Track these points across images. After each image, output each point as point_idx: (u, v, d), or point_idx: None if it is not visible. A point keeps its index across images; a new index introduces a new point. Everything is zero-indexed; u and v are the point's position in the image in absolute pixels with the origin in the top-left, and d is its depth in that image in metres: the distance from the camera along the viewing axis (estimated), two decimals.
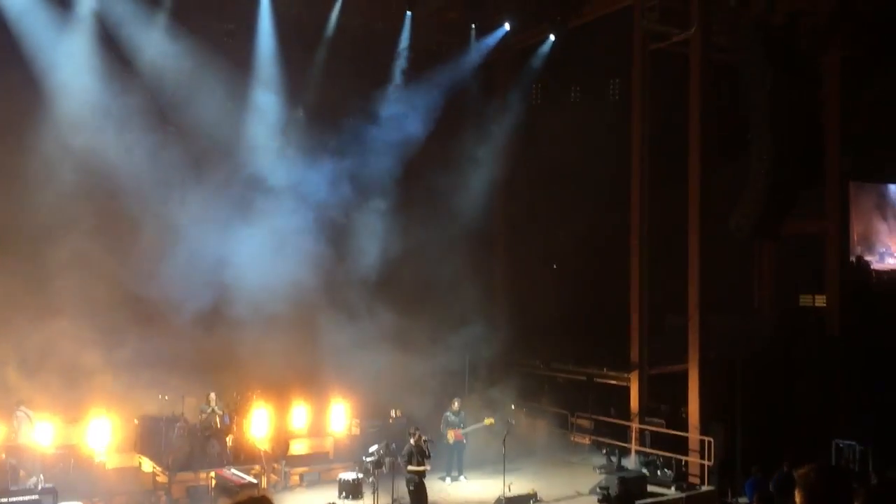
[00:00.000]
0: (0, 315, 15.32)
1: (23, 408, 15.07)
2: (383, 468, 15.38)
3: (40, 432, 15.30)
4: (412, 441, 14.55)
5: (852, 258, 20.77)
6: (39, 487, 12.99)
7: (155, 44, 17.20)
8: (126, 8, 16.83)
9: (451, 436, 17.12)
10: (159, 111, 17.38)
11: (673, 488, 16.58)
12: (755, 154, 15.88)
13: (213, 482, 14.58)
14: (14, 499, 12.54)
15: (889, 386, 17.24)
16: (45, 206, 15.80)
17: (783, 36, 16.15)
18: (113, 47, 16.89)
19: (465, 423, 17.23)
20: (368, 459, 15.50)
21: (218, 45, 17.82)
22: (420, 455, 14.48)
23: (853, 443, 16.71)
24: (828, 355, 18.43)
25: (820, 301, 19.90)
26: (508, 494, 15.38)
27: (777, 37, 16.04)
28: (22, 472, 14.02)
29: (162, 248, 16.81)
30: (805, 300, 20.59)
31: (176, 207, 17.10)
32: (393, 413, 18.32)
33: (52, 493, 12.78)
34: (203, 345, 16.64)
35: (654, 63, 18.64)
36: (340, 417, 18.11)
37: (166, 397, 16.70)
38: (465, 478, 17.13)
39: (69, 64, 16.52)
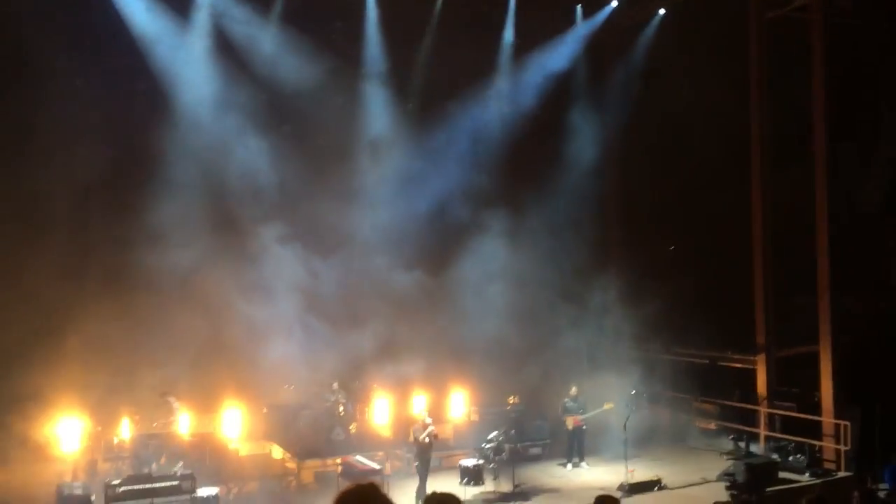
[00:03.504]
0: (146, 308, 16.16)
1: (170, 398, 15.95)
2: (503, 454, 15.46)
3: (181, 421, 16.20)
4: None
5: None
6: (179, 474, 13.72)
7: (268, 46, 17.77)
8: (240, 13, 17.42)
9: (570, 422, 17.00)
10: (275, 111, 17.93)
11: (807, 474, 15.93)
12: (886, 123, 14.96)
13: (339, 468, 15.03)
14: (157, 485, 13.34)
15: None
16: (180, 208, 16.51)
17: None
18: (229, 51, 17.54)
19: (584, 409, 17.06)
20: (488, 446, 15.61)
21: (328, 44, 18.23)
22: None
23: None
24: None
25: None
26: (632, 481, 15.16)
27: None
28: (163, 459, 14.87)
29: (289, 245, 17.35)
30: None
31: (295, 206, 17.58)
32: (511, 399, 18.34)
33: (191, 478, 13.50)
34: (327, 337, 17.13)
35: (773, 32, 17.79)
36: (459, 404, 18.32)
37: (292, 387, 17.33)
38: (587, 464, 16.98)
39: (190, 70, 17.26)
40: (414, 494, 14.18)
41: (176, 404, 15.88)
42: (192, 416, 16.46)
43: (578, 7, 19.96)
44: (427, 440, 14.56)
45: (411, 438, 14.98)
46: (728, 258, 19.40)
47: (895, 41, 15.64)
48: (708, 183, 19.33)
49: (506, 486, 14.90)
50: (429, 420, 14.92)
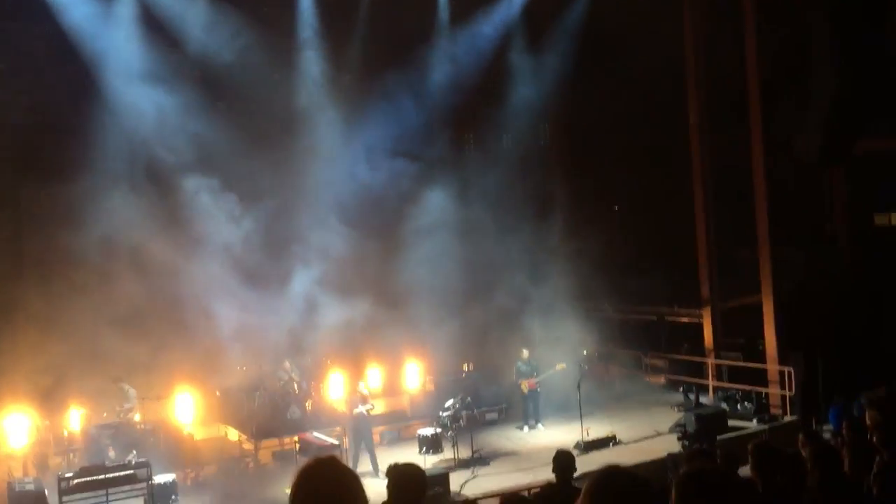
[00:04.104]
0: (86, 292, 15.77)
1: (123, 384, 15.62)
2: (461, 422, 15.58)
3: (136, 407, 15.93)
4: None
5: None
6: (133, 462, 13.50)
7: (199, 21, 17.28)
8: None
9: (524, 385, 17.18)
10: (208, 88, 17.52)
11: (755, 421, 16.39)
12: (817, 78, 15.25)
13: (298, 446, 14.98)
14: (112, 475, 13.08)
15: None
16: (114, 192, 16.13)
17: None
18: (158, 29, 17.02)
19: (538, 371, 17.25)
20: (445, 414, 15.71)
21: (260, 17, 17.81)
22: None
23: None
24: None
25: None
26: (587, 439, 15.43)
27: None
28: (112, 451, 14.58)
29: (232, 222, 17.07)
30: (881, 220, 19.86)
31: (249, 182, 17.29)
32: (465, 367, 18.47)
33: (146, 466, 13.29)
34: (274, 315, 16.96)
35: None
36: (414, 375, 18.37)
37: (244, 368, 17.16)
38: (543, 426, 17.21)
39: (117, 52, 16.71)
40: (371, 466, 14.23)
41: (131, 391, 15.61)
42: (143, 403, 16.19)
43: None
44: (365, 412, 14.67)
45: (348, 410, 15.06)
46: (672, 216, 19.70)
47: None
48: (650, 140, 19.56)
49: (465, 453, 15.04)
50: (366, 392, 15.14)
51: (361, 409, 14.72)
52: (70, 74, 16.56)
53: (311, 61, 18.70)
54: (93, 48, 16.47)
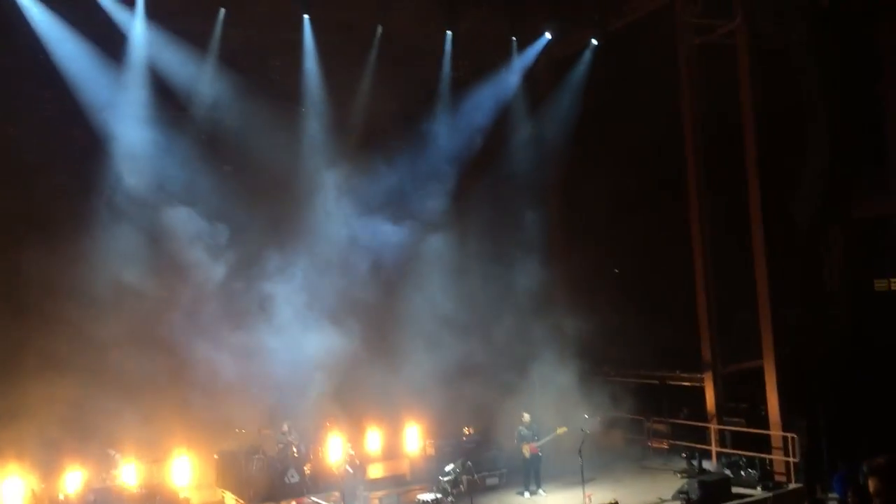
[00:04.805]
0: (81, 358, 15.78)
1: (111, 451, 15.49)
2: (461, 486, 15.38)
3: (126, 473, 15.75)
4: None
5: None
6: None
7: (206, 87, 17.67)
8: (176, 56, 17.30)
9: (525, 450, 17.00)
10: (216, 152, 17.82)
11: (759, 488, 16.17)
12: (812, 138, 15.52)
13: None
14: None
15: None
16: (113, 255, 16.26)
17: (833, 19, 15.78)
18: (167, 95, 17.39)
19: (539, 436, 17.09)
20: (445, 479, 15.52)
21: (266, 83, 18.22)
22: None
23: None
24: None
25: None
26: None
27: (826, 20, 15.67)
28: None
29: (228, 286, 17.16)
30: (881, 285, 19.88)
31: (241, 244, 17.42)
32: (466, 431, 18.31)
33: None
34: (274, 378, 16.92)
35: (703, 58, 18.35)
36: (414, 439, 18.20)
37: (243, 431, 17.02)
38: (544, 492, 16.97)
39: (126, 114, 17.04)
40: None
41: (118, 457, 15.48)
42: (140, 467, 16.03)
43: (513, 39, 20.30)
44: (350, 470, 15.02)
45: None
46: (670, 278, 19.75)
47: (816, 60, 16.27)
48: (649, 204, 19.73)
49: None
50: (352, 452, 15.59)
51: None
52: (78, 138, 16.84)
53: (314, 123, 19.04)
54: (101, 112, 16.81)
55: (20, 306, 16.25)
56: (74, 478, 15.34)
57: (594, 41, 20.11)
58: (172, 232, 16.87)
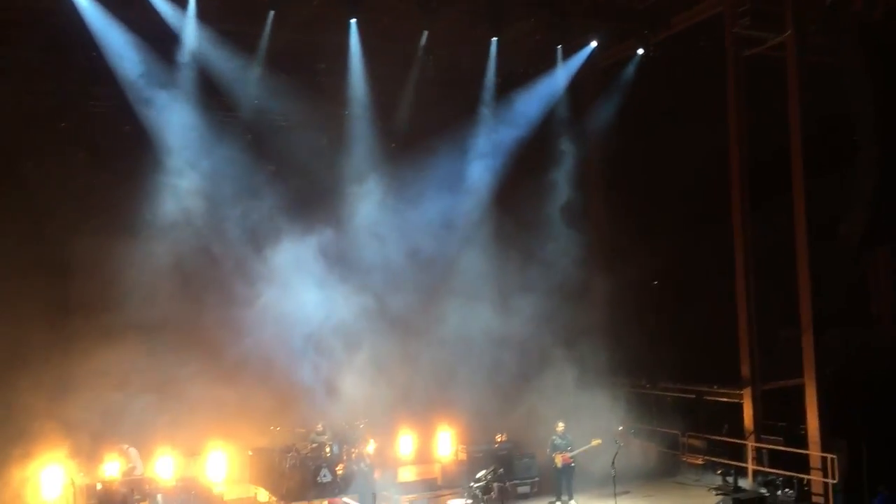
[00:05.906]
0: (128, 355, 16.10)
1: (125, 445, 15.63)
2: (492, 494, 15.34)
3: (162, 466, 15.99)
4: None
5: None
6: None
7: (253, 88, 17.91)
8: (225, 56, 17.54)
9: (558, 459, 16.91)
10: (261, 152, 18.05)
11: None
12: (862, 159, 15.23)
13: None
14: None
15: None
16: (159, 250, 16.55)
17: (885, 33, 15.48)
18: (215, 94, 17.66)
19: (572, 446, 16.99)
20: (476, 485, 15.49)
21: (312, 85, 18.40)
22: None
23: None
24: None
25: None
26: None
27: (878, 34, 15.38)
28: None
29: (268, 288, 17.33)
30: None
31: (281, 246, 17.61)
32: (498, 437, 18.27)
33: None
34: (310, 378, 17.07)
35: (751, 71, 18.14)
36: (447, 444, 18.21)
37: (278, 428, 17.19)
38: (575, 502, 16.87)
39: (174, 112, 17.32)
40: None
41: (133, 452, 15.65)
42: (176, 460, 16.25)
43: (559, 48, 20.24)
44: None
45: None
46: (713, 292, 19.54)
47: (868, 75, 15.98)
48: (691, 217, 19.54)
49: None
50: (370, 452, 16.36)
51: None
52: (126, 137, 17.18)
53: (358, 125, 19.18)
54: (151, 109, 17.12)
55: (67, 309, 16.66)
56: (112, 468, 15.58)
57: (640, 51, 19.95)
58: (220, 231, 17.11)
